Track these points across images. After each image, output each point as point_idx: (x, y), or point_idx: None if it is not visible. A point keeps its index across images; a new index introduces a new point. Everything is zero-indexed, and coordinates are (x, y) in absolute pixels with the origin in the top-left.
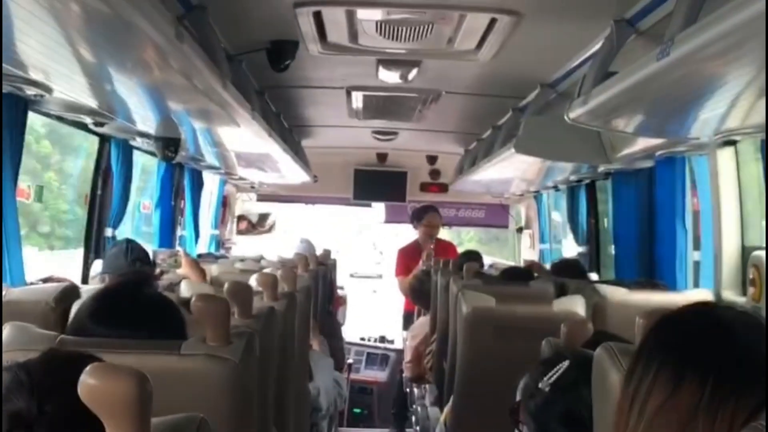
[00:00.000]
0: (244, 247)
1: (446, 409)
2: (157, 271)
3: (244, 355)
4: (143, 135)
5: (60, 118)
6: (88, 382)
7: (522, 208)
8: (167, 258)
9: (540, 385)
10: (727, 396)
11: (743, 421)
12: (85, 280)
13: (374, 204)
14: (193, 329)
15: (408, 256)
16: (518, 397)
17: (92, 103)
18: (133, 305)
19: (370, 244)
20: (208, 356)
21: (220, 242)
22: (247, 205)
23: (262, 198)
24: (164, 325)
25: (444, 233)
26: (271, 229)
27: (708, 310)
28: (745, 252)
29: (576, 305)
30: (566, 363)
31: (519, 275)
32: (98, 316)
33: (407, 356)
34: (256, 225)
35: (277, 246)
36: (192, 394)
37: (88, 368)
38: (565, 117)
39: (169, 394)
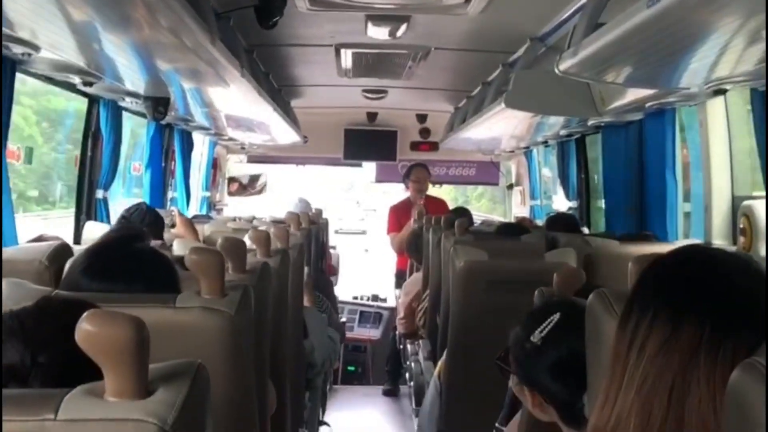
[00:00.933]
0: (235, 208)
1: (440, 363)
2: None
3: (239, 308)
4: (132, 95)
5: (48, 79)
6: (85, 328)
7: (512, 164)
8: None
9: (532, 338)
10: (727, 333)
11: (744, 357)
12: (77, 240)
13: (365, 163)
14: (187, 286)
15: (399, 213)
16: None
17: (80, 62)
18: (126, 259)
19: (356, 202)
20: (203, 309)
21: (211, 204)
22: (237, 166)
23: (253, 159)
24: (158, 279)
25: (449, 192)
26: (262, 190)
27: (701, 250)
28: (735, 202)
29: (568, 257)
30: (557, 316)
31: (512, 231)
32: (91, 271)
33: (400, 312)
34: (247, 186)
35: (268, 207)
36: (187, 348)
37: (85, 314)
38: (555, 70)
39: (164, 347)
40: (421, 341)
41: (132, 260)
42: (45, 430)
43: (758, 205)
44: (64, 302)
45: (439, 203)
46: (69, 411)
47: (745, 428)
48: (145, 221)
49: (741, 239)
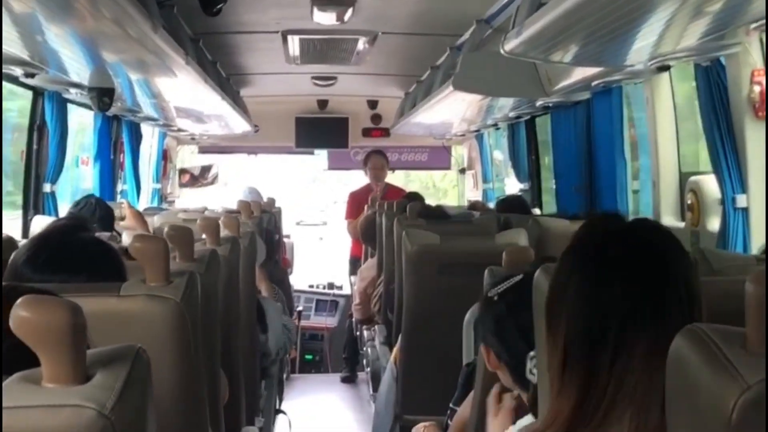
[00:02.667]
0: (187, 200)
1: (396, 348)
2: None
3: (185, 295)
4: (77, 86)
5: None
6: (19, 313)
7: (464, 149)
8: None
9: (489, 294)
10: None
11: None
12: (25, 235)
13: (317, 151)
14: (134, 277)
15: (358, 200)
16: (464, 332)
17: (23, 54)
18: (70, 249)
19: (318, 194)
20: (148, 296)
21: (162, 196)
22: (189, 157)
23: (204, 150)
24: (103, 269)
25: (419, 179)
26: (214, 181)
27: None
28: (683, 178)
29: (519, 238)
30: (519, 277)
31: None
32: (34, 262)
33: (356, 299)
34: (199, 177)
35: (222, 198)
36: (134, 337)
37: (19, 300)
38: (501, 51)
39: (110, 337)
40: (377, 327)
41: (76, 250)
42: None
43: (705, 181)
44: (29, 291)
45: (399, 192)
46: (6, 399)
47: (683, 392)
48: (96, 215)
49: (689, 215)
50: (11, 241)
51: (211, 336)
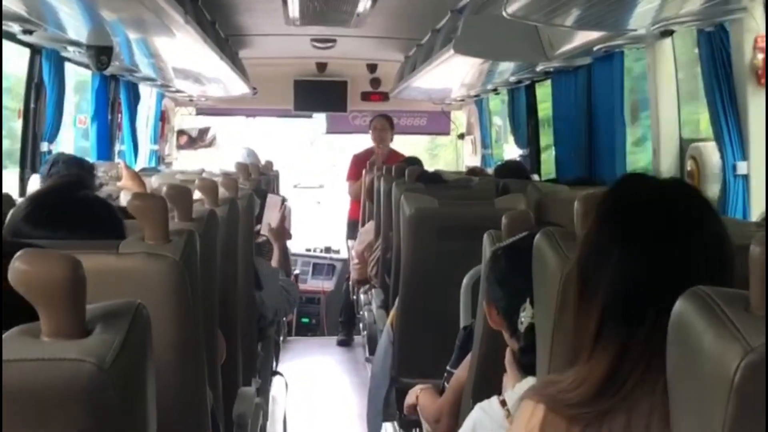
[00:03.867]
0: (185, 162)
1: (392, 311)
2: (97, 183)
3: (184, 253)
4: (75, 44)
5: None
6: (18, 267)
7: (463, 114)
8: (108, 170)
9: (494, 249)
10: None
11: None
12: (22, 194)
13: (315, 115)
14: (133, 235)
15: (360, 162)
16: (462, 296)
17: (20, 10)
18: (70, 207)
19: (316, 158)
20: (147, 254)
21: (160, 157)
22: (187, 119)
23: (202, 112)
24: (102, 227)
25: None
26: (211, 143)
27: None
28: (683, 144)
29: (517, 203)
30: (524, 234)
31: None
32: (33, 219)
33: (354, 258)
34: (197, 139)
35: (220, 161)
36: (132, 294)
37: (18, 254)
38: (503, 13)
39: (108, 295)
40: (373, 290)
41: (75, 207)
42: None
43: (706, 148)
44: (13, 245)
45: (401, 157)
46: (5, 352)
47: (686, 355)
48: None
49: (688, 181)
50: (9, 199)
51: (210, 296)
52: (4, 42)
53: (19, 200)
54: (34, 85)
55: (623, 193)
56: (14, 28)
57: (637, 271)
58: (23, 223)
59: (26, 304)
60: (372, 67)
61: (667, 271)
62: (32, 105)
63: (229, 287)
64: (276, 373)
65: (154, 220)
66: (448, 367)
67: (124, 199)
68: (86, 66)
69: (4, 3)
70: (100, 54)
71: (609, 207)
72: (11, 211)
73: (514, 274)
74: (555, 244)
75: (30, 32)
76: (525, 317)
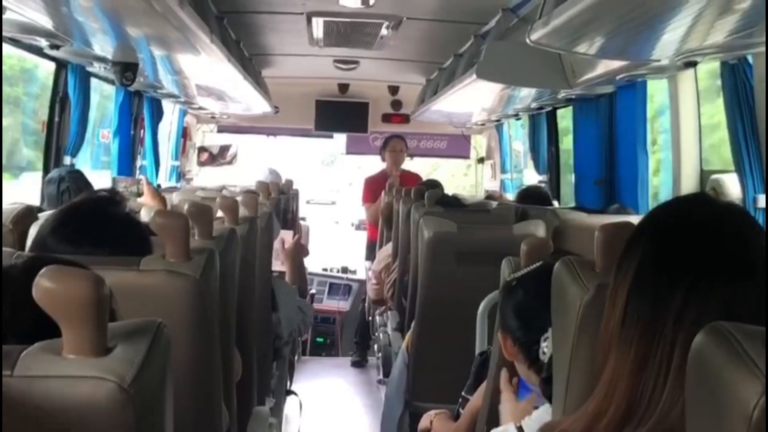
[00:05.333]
0: (205, 178)
1: (408, 334)
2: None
3: (204, 272)
4: (101, 60)
5: (14, 42)
6: (43, 284)
7: (483, 138)
8: (129, 186)
9: (509, 278)
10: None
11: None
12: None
13: (336, 135)
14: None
15: (374, 184)
16: (478, 321)
17: (48, 25)
18: (97, 222)
19: (332, 176)
20: (167, 272)
21: (180, 173)
22: (208, 136)
23: (223, 129)
24: (128, 243)
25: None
26: (232, 160)
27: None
28: (704, 176)
29: (536, 229)
30: (539, 263)
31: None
32: (60, 233)
33: (372, 279)
34: (217, 156)
35: (239, 178)
36: (152, 311)
37: (43, 270)
38: (527, 40)
39: (128, 310)
40: (389, 312)
41: (102, 224)
42: (1, 386)
43: (726, 180)
44: (52, 262)
45: (416, 178)
46: (25, 367)
47: (704, 390)
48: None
49: None
50: (31, 211)
51: (227, 314)
52: (29, 55)
53: (43, 213)
54: (58, 98)
55: (677, 210)
56: (42, 42)
57: (695, 295)
58: (50, 236)
59: (49, 319)
60: (393, 89)
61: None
62: (56, 119)
63: (246, 306)
64: (290, 392)
65: (175, 238)
66: (463, 393)
67: (144, 215)
68: (111, 81)
69: (32, 17)
70: (126, 70)
71: (655, 220)
72: (34, 229)
73: (533, 304)
74: (574, 273)
75: (57, 47)
76: (548, 348)
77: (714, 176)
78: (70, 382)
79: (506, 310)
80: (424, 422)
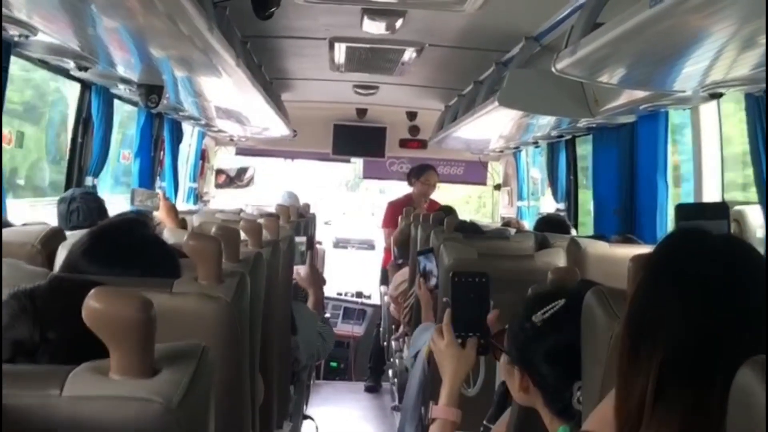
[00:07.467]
0: (222, 200)
1: (427, 343)
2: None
3: (236, 295)
4: (125, 81)
5: (42, 63)
6: (92, 305)
7: (500, 165)
8: (145, 199)
9: (534, 319)
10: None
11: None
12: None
13: (353, 159)
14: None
15: (398, 210)
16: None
17: (75, 46)
18: (128, 244)
19: (349, 200)
20: (200, 295)
21: (198, 195)
22: (225, 158)
23: (241, 152)
24: (158, 265)
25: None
26: (249, 183)
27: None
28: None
29: (557, 258)
30: (562, 302)
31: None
32: (91, 254)
33: (392, 305)
34: (235, 179)
35: (256, 199)
36: (184, 333)
37: (92, 292)
38: (552, 68)
39: (160, 333)
40: (405, 338)
41: (133, 246)
42: (50, 406)
43: (749, 211)
44: (75, 282)
45: (438, 206)
46: (74, 387)
47: (748, 425)
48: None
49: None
50: (59, 232)
51: (253, 338)
52: (57, 77)
53: (68, 232)
54: (82, 119)
55: (677, 247)
56: (69, 64)
57: (702, 326)
58: (81, 257)
59: (98, 341)
60: (411, 115)
61: (741, 324)
62: (80, 139)
63: (268, 329)
64: (307, 416)
65: (208, 261)
66: (485, 422)
67: (167, 236)
68: (134, 103)
69: (60, 38)
70: (151, 92)
71: (659, 259)
72: (62, 250)
73: (566, 351)
74: (606, 303)
75: (85, 69)
76: (582, 397)
77: (736, 207)
78: (118, 403)
79: (532, 354)
80: None
